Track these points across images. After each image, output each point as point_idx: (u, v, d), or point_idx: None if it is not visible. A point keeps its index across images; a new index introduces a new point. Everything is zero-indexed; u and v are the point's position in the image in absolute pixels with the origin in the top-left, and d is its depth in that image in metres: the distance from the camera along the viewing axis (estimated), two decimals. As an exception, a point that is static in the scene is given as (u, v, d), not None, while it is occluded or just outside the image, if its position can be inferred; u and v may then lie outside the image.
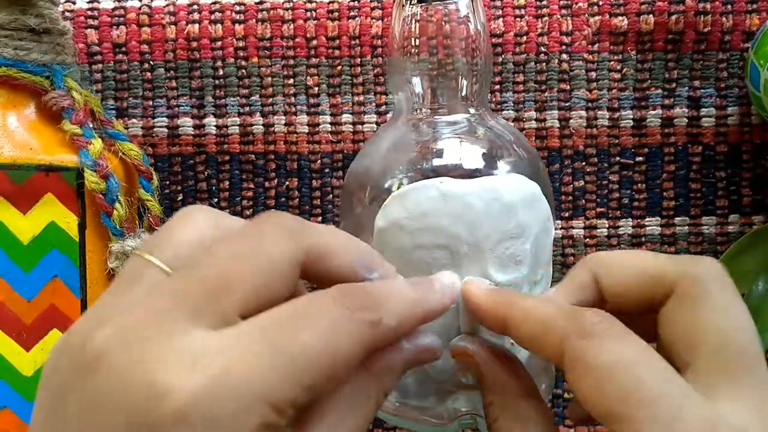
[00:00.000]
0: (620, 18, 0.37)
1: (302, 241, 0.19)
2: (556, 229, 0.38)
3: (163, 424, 0.15)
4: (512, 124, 0.37)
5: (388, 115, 0.37)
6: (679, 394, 0.18)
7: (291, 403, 0.17)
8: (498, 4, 0.37)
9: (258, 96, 0.37)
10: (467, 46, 0.28)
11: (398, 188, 0.26)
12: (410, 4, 0.28)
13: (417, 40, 0.28)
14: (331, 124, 0.37)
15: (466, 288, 0.24)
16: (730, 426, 0.18)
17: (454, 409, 0.27)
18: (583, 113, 0.37)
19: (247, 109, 0.37)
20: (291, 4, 0.37)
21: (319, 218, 0.38)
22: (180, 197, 0.38)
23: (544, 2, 0.37)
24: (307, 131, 0.37)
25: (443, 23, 0.28)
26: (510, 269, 0.25)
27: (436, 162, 0.27)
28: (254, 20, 0.37)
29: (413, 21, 0.28)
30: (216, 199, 0.38)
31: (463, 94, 0.29)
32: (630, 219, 0.38)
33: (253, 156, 0.37)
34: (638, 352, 0.19)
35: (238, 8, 0.37)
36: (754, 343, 0.20)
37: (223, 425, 0.16)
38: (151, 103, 0.37)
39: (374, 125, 0.37)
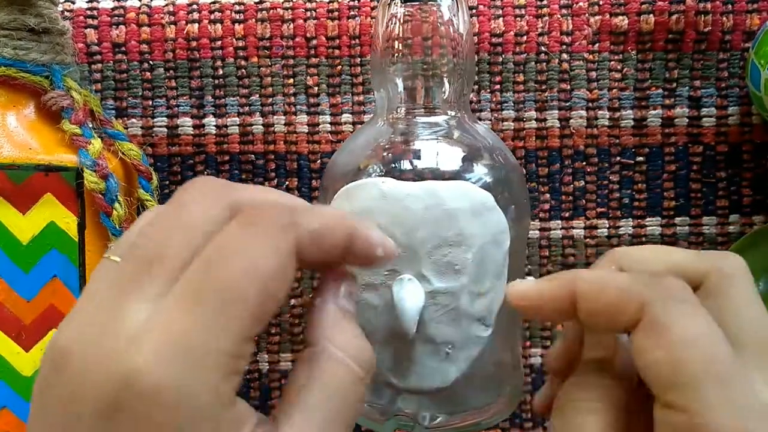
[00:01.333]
0: (621, 18, 0.37)
1: (226, 198, 0.19)
2: (556, 229, 0.38)
3: (120, 402, 0.16)
4: (512, 124, 0.37)
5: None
6: (746, 381, 0.19)
7: (239, 338, 0.17)
8: (498, 3, 0.37)
9: (258, 96, 0.37)
10: (449, 49, 0.28)
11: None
12: (394, 4, 0.28)
13: (398, 41, 0.28)
14: (330, 123, 0.37)
15: (515, 286, 0.22)
16: None
17: (397, 408, 0.27)
18: (584, 113, 0.37)
19: (246, 108, 0.37)
20: (291, 3, 0.37)
21: (319, 218, 0.38)
22: (180, 197, 0.37)
23: (545, 2, 0.37)
24: (306, 131, 0.37)
25: (426, 25, 0.28)
26: (447, 276, 0.25)
27: (399, 162, 0.27)
28: (254, 20, 0.37)
29: (396, 21, 0.28)
30: (216, 199, 0.38)
31: (444, 96, 0.29)
32: (630, 219, 0.38)
33: (252, 156, 0.37)
34: (715, 329, 0.19)
35: (237, 8, 0.37)
36: None
37: (183, 388, 0.16)
38: (150, 102, 0.37)
39: (374, 125, 0.37)
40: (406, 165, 0.27)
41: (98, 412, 0.16)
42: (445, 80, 0.28)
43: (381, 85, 0.29)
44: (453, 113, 0.29)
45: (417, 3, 0.28)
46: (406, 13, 0.28)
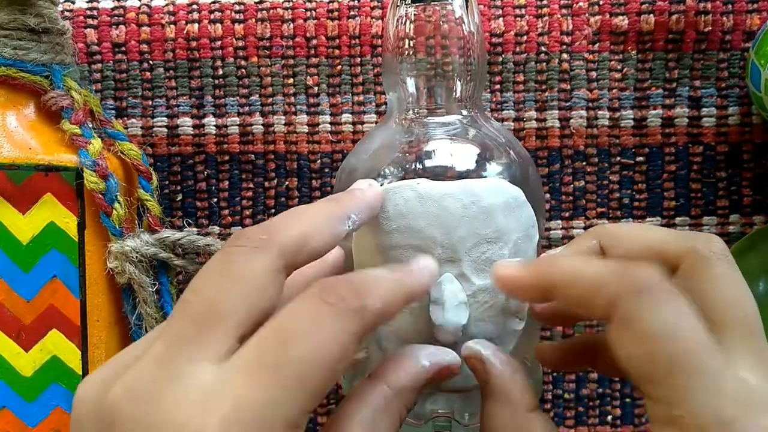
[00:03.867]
0: (621, 18, 0.37)
1: (274, 246, 0.20)
2: (556, 229, 0.38)
3: None
4: (512, 124, 0.37)
5: (385, 115, 0.37)
6: (720, 366, 0.19)
7: (302, 412, 0.18)
8: (498, 3, 0.37)
9: (258, 96, 0.37)
10: (461, 47, 0.28)
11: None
12: (404, 4, 0.28)
13: (410, 41, 0.28)
14: (330, 123, 0.37)
15: (499, 269, 0.23)
16: (763, 399, 0.18)
17: (430, 410, 0.27)
18: (584, 113, 0.37)
19: (246, 108, 0.37)
20: (291, 3, 0.37)
21: (319, 218, 0.38)
22: (179, 197, 0.38)
23: (545, 2, 0.37)
24: (306, 131, 0.37)
25: (438, 24, 0.28)
26: (487, 273, 0.25)
27: (422, 163, 0.26)
28: (254, 20, 0.37)
29: (407, 21, 0.28)
30: (215, 199, 0.38)
31: (456, 95, 0.29)
32: (631, 219, 0.38)
33: (252, 156, 0.37)
34: (688, 316, 0.19)
35: (237, 8, 0.37)
36: (757, 311, 0.20)
37: None
38: (150, 102, 0.37)
39: (374, 125, 0.37)
40: (434, 165, 0.26)
41: None
42: (458, 79, 0.28)
43: (393, 86, 0.29)
44: (466, 112, 0.29)
45: (423, 3, 0.28)
46: (417, 12, 0.28)
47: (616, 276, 0.20)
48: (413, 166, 0.26)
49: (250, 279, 0.19)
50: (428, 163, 0.26)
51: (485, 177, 0.26)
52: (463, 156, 0.27)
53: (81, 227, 0.31)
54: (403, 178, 0.26)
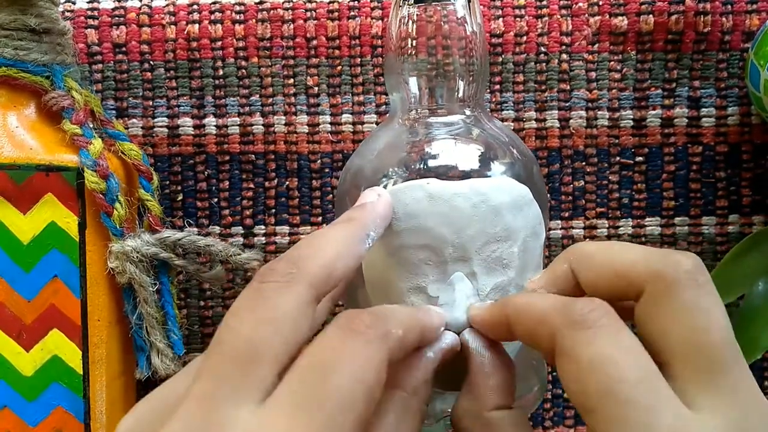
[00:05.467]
0: (620, 18, 0.37)
1: (304, 279, 0.20)
2: (556, 229, 0.38)
3: None
4: (512, 124, 0.37)
5: (388, 116, 0.37)
6: (657, 398, 0.18)
7: None
8: (498, 4, 0.37)
9: (258, 96, 0.37)
10: (463, 47, 0.28)
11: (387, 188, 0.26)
12: (407, 4, 0.28)
13: (413, 41, 0.28)
14: (331, 124, 0.37)
15: (471, 312, 0.24)
16: None
17: (441, 410, 0.27)
18: (583, 113, 0.37)
19: (247, 109, 0.37)
20: (291, 4, 0.37)
21: (319, 218, 0.38)
22: (180, 197, 0.38)
23: (544, 2, 0.37)
24: (307, 131, 0.37)
25: (440, 24, 0.28)
26: (496, 272, 0.25)
27: (428, 163, 0.27)
28: (254, 20, 0.37)
29: (410, 21, 0.28)
30: (216, 199, 0.38)
31: (459, 95, 0.29)
32: (630, 219, 0.38)
33: (253, 156, 0.37)
34: (625, 348, 0.19)
35: (238, 8, 0.37)
36: (725, 341, 0.19)
37: None
38: (151, 103, 0.37)
39: (374, 125, 0.37)
40: (439, 165, 0.26)
41: None
42: (461, 79, 0.28)
43: (396, 87, 0.29)
44: (469, 112, 0.29)
45: (425, 3, 0.28)
46: (420, 12, 0.28)
47: (557, 311, 0.21)
48: (418, 166, 0.26)
49: (285, 315, 0.19)
50: (433, 162, 0.26)
51: (490, 176, 0.26)
52: (468, 155, 0.27)
53: (82, 227, 0.32)
54: (409, 178, 0.26)
